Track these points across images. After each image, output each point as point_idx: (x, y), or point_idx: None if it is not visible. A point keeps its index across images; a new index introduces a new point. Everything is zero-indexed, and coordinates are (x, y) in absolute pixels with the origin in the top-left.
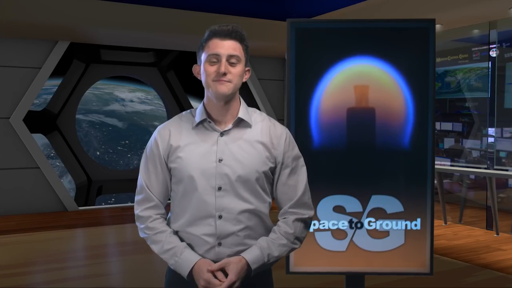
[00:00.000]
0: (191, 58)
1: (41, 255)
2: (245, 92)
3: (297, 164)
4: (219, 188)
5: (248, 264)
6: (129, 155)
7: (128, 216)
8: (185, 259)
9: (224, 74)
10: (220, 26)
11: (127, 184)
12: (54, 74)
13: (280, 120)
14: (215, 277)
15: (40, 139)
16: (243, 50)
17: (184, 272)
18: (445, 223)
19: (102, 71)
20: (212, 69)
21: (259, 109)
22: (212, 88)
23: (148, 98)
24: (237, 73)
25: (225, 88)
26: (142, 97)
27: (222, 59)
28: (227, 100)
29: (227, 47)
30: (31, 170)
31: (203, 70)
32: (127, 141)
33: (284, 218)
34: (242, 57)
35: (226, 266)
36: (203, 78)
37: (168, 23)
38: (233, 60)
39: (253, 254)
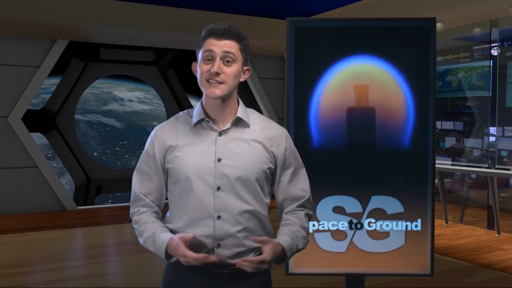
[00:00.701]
0: (191, 56)
1: (40, 255)
2: (245, 91)
3: (298, 164)
4: (218, 188)
5: (284, 251)
6: (127, 156)
7: (127, 216)
8: (160, 243)
9: (217, 74)
10: (217, 25)
11: (127, 184)
12: (53, 73)
13: (280, 120)
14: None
15: (38, 138)
16: (240, 50)
17: (162, 256)
18: (446, 222)
19: (101, 69)
20: (206, 67)
21: (258, 108)
22: (205, 89)
23: (148, 98)
24: (231, 73)
25: (218, 91)
26: (141, 96)
27: (216, 58)
28: (224, 98)
29: (222, 45)
30: (29, 169)
31: (198, 69)
32: (125, 142)
33: (294, 213)
34: (239, 56)
35: (264, 245)
36: (198, 77)
37: (167, 21)
38: (228, 59)
39: (288, 243)
